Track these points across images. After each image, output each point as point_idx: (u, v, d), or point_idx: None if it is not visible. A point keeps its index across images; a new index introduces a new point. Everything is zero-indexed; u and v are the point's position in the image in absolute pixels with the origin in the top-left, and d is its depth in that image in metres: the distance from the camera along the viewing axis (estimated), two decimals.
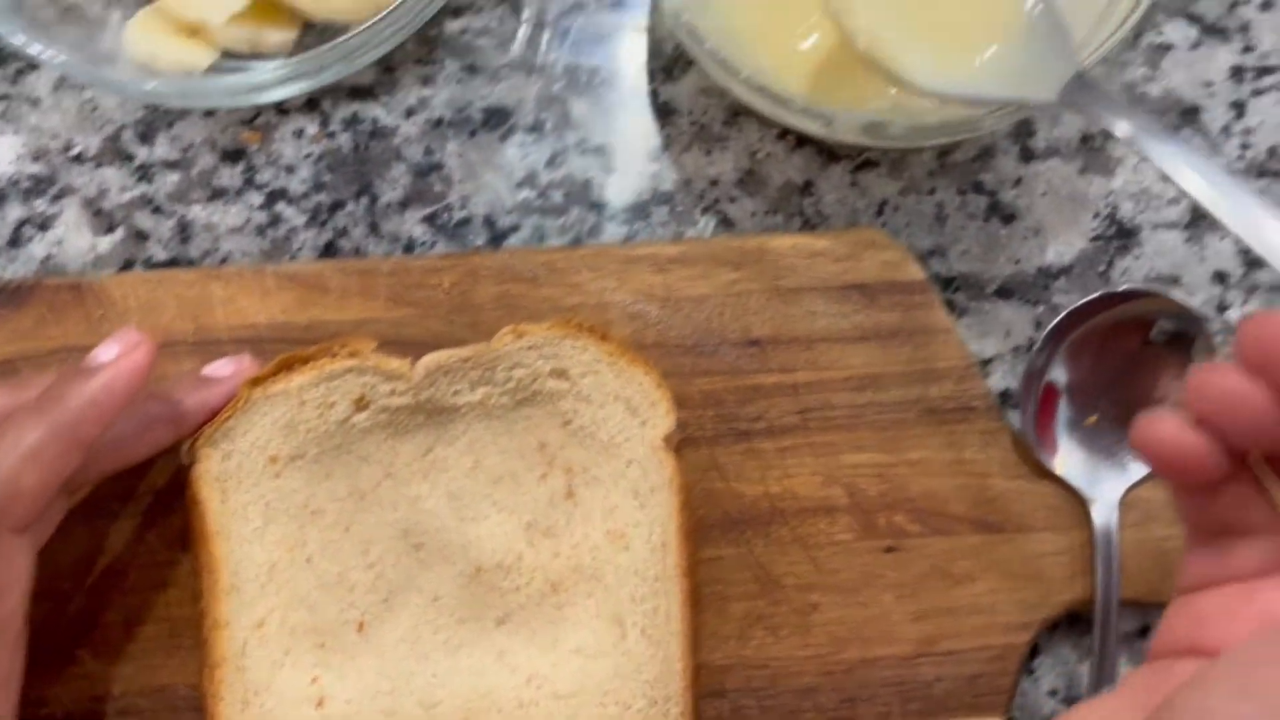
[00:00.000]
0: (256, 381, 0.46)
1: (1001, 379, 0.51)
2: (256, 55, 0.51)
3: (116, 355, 0.41)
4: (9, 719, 0.41)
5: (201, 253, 0.53)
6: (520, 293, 0.49)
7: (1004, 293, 0.51)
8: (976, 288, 0.51)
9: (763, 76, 0.46)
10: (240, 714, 0.45)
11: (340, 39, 0.49)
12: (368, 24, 0.48)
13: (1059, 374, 0.47)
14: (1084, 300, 0.45)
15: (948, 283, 0.51)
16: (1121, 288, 0.45)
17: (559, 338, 0.46)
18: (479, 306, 0.49)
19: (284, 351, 0.48)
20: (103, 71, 0.47)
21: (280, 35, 0.51)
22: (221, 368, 0.47)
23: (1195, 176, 0.37)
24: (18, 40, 0.47)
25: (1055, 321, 0.46)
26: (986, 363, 0.51)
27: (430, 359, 0.46)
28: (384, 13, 0.48)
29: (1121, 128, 0.39)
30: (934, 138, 0.45)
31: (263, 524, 0.46)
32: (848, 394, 0.48)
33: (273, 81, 0.48)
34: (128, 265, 0.53)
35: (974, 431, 0.48)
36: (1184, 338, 0.45)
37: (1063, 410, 0.47)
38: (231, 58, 0.51)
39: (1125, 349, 0.46)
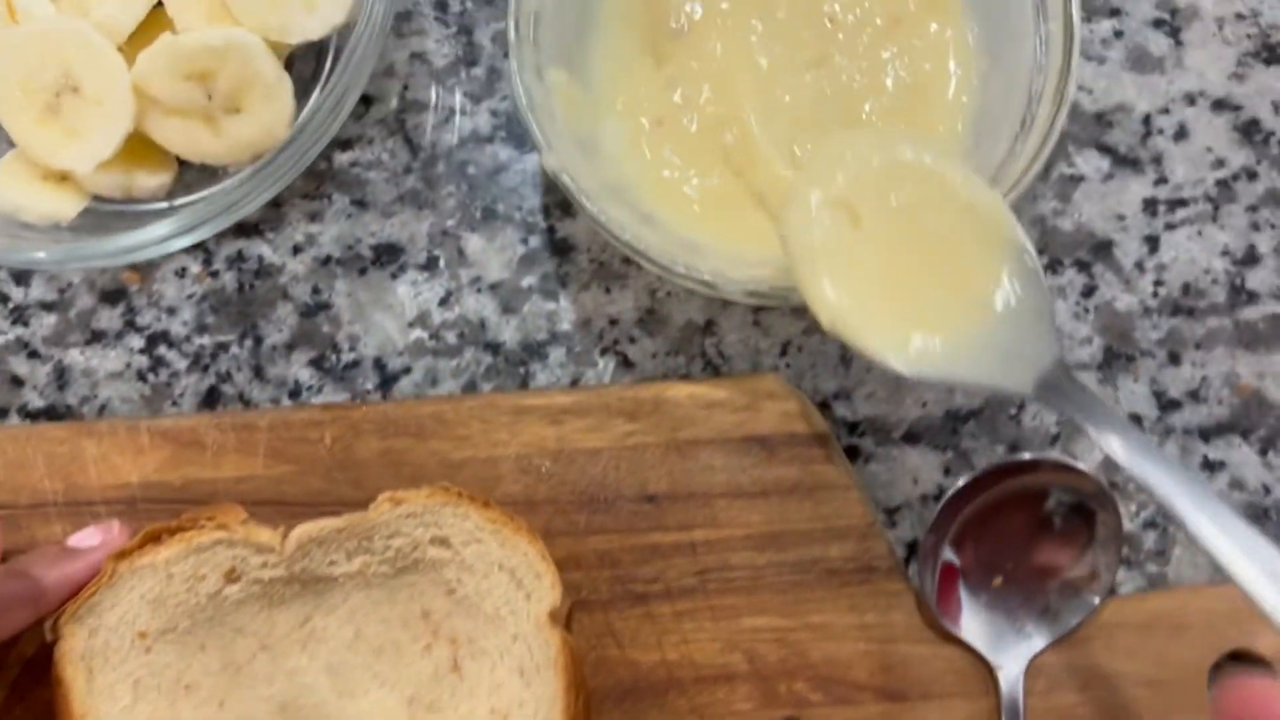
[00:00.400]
0: (122, 555, 0.44)
1: (910, 528, 0.49)
2: (130, 200, 0.49)
3: None
4: None
5: (80, 399, 0.51)
6: (405, 447, 0.47)
7: (911, 438, 0.49)
8: (883, 432, 0.50)
9: (649, 234, 0.44)
10: None
11: (219, 186, 0.47)
12: (251, 170, 0.46)
13: (956, 546, 0.45)
14: (977, 473, 0.43)
15: (853, 427, 0.50)
16: (1025, 456, 0.43)
17: (439, 505, 0.44)
18: (362, 463, 0.47)
19: (159, 511, 0.46)
20: None
21: (155, 179, 0.48)
22: (87, 538, 0.45)
23: (1189, 505, 0.33)
24: None
25: (947, 495, 0.44)
26: (893, 511, 0.49)
27: (302, 530, 0.44)
28: (264, 159, 0.46)
29: (1108, 442, 0.35)
30: None
31: (132, 702, 0.44)
32: (747, 553, 0.46)
33: (155, 240, 0.45)
34: (1, 413, 0.51)
35: (877, 593, 0.46)
36: (1081, 510, 0.43)
37: (964, 577, 0.45)
38: (104, 201, 0.49)
39: (1023, 520, 0.44)
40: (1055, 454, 0.46)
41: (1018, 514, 0.44)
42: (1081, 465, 0.43)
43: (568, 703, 0.43)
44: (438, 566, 0.44)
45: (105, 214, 0.49)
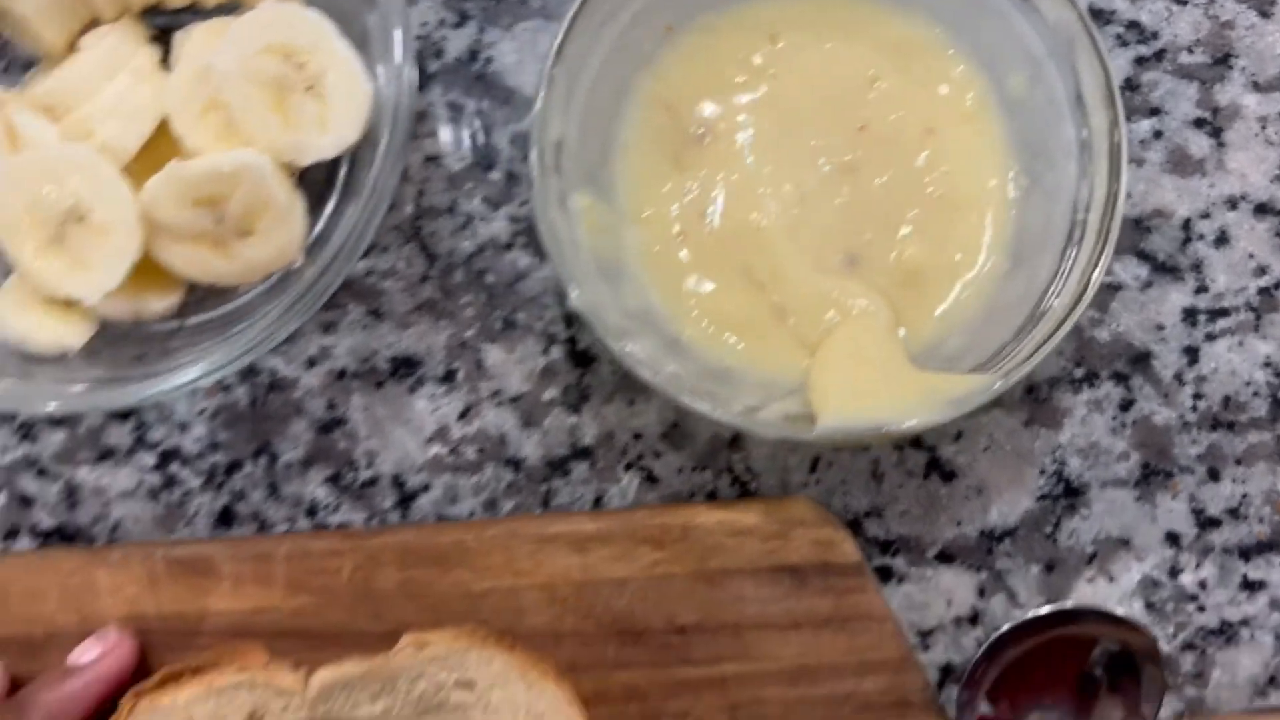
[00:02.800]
0: (141, 693, 0.43)
1: (943, 651, 0.48)
2: (139, 321, 0.47)
3: None
4: None
5: (91, 519, 0.49)
6: (426, 579, 0.46)
7: (945, 557, 0.48)
8: (917, 551, 0.48)
9: (677, 365, 0.43)
10: None
11: (232, 305, 0.46)
12: (279, 312, 0.44)
13: (993, 698, 0.43)
14: (1018, 621, 0.42)
15: (886, 546, 0.48)
16: (1068, 605, 0.42)
17: (463, 649, 0.43)
18: (382, 595, 0.46)
19: (176, 644, 0.45)
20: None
21: (163, 301, 0.47)
22: (86, 651, 0.44)
23: None
24: None
25: (985, 646, 0.43)
26: (927, 634, 0.48)
27: (325, 675, 0.43)
28: (288, 299, 0.44)
29: None
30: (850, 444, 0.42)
31: None
32: (779, 688, 0.45)
33: (174, 388, 0.44)
34: (12, 534, 0.49)
35: None
36: (1130, 662, 0.42)
37: None
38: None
39: (1065, 671, 0.43)
40: (1100, 605, 0.45)
41: (1060, 664, 0.43)
42: (1124, 613, 0.42)
43: None
44: (462, 709, 0.43)
45: (114, 336, 0.47)
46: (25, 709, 0.42)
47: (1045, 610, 0.42)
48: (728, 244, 0.47)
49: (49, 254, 0.44)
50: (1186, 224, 0.50)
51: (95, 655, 0.44)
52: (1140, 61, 0.51)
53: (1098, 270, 0.42)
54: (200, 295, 0.49)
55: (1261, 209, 0.50)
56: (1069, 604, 0.43)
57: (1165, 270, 0.50)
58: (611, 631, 0.46)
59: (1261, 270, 0.50)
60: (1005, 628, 0.42)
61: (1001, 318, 0.45)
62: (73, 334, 0.46)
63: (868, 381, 0.43)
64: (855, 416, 0.41)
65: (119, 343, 0.47)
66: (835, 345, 0.44)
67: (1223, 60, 0.51)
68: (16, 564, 0.47)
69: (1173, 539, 0.48)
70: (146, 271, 0.46)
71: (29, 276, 0.44)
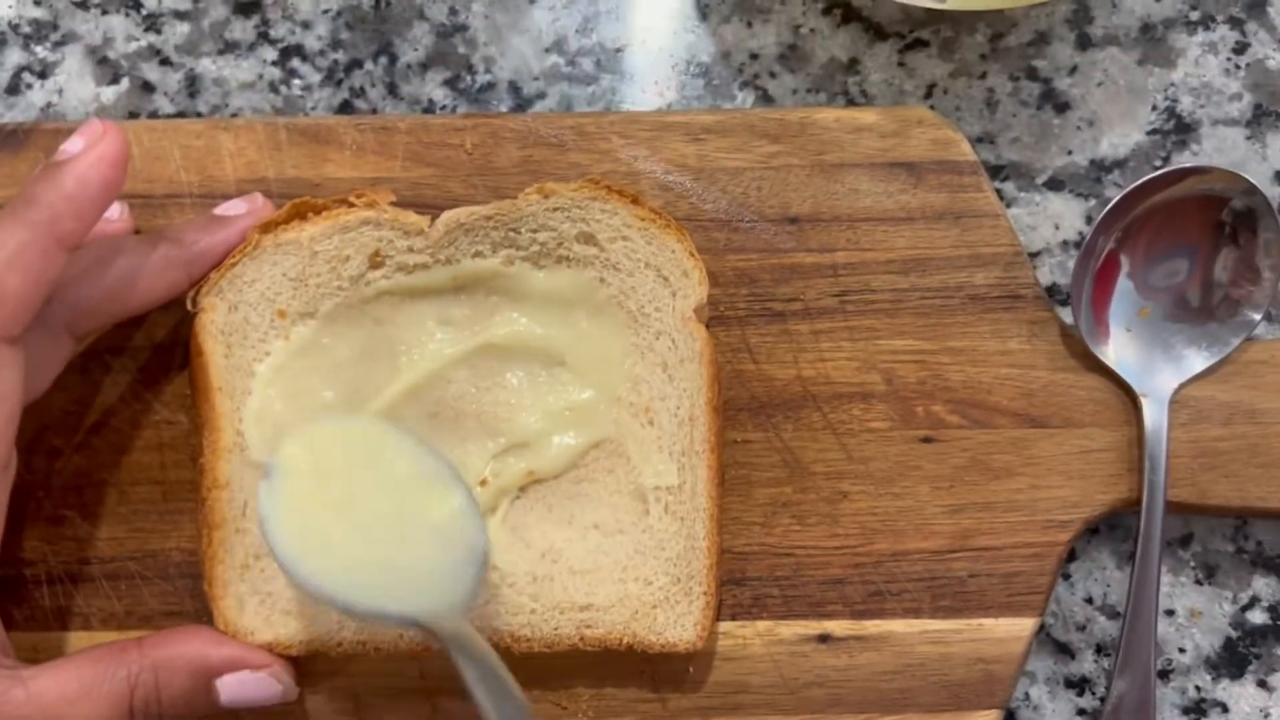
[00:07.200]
0: (268, 226, 0.43)
1: (1049, 273, 0.48)
2: None
3: (84, 147, 0.38)
4: None
5: (210, 108, 0.50)
6: (546, 157, 0.46)
7: (1054, 184, 0.49)
8: (1026, 177, 0.49)
9: None
10: (240, 578, 0.42)
11: None
12: None
13: (1118, 250, 0.44)
14: (1150, 176, 0.43)
15: (996, 171, 0.49)
16: (1191, 163, 0.43)
17: (587, 199, 0.44)
18: (502, 170, 0.46)
19: None
20: None
21: None
22: (234, 207, 0.44)
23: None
24: None
25: (1121, 195, 0.43)
26: (1034, 255, 0.48)
27: (451, 215, 0.44)
28: None
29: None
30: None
31: (268, 381, 0.43)
32: (890, 277, 0.46)
33: None
34: (132, 118, 0.50)
35: (1020, 321, 0.45)
36: (1250, 221, 0.43)
37: (1118, 296, 0.44)
38: None
39: (1189, 230, 0.43)
40: (1226, 166, 0.45)
41: (1184, 221, 0.43)
42: (1250, 178, 0.42)
43: (711, 395, 0.43)
44: (582, 265, 0.44)
45: None
46: (178, 242, 0.42)
47: (1176, 168, 0.43)
48: None
49: None
50: None
51: (244, 210, 0.44)
52: None
53: None
54: None
55: None
56: (1194, 162, 0.43)
57: None
58: (724, 218, 0.46)
59: None
60: (1138, 181, 0.43)
61: None
62: None
63: None
64: None
65: None
66: None
67: None
68: (140, 128, 0.47)
69: None
70: None
71: None
